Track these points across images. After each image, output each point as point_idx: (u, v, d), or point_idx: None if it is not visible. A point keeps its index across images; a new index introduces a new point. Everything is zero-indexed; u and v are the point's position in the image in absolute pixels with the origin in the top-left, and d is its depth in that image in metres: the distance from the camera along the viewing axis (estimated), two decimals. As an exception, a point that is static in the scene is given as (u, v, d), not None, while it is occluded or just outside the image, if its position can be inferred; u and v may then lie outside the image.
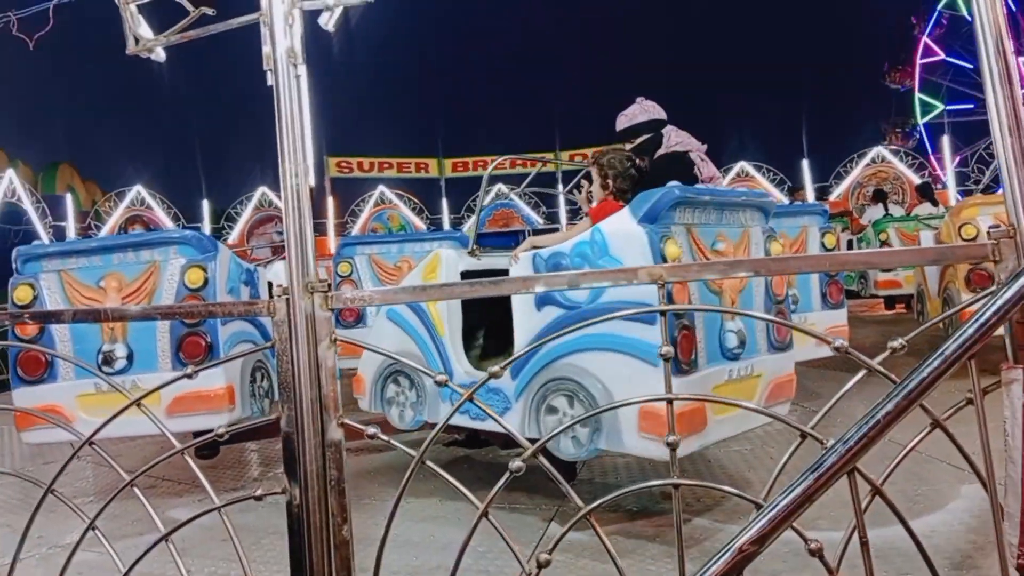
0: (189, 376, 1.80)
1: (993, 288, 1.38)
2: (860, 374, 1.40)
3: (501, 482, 1.52)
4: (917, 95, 23.82)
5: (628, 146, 3.99)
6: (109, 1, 2.00)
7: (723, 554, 1.29)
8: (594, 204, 3.65)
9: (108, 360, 3.64)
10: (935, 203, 10.19)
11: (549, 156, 22.03)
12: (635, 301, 2.72)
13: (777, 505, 1.30)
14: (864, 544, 1.33)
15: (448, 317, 3.60)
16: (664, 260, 2.81)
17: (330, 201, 22.02)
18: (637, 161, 3.64)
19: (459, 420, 3.35)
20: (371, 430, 1.67)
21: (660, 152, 3.84)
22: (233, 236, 21.37)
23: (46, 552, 3.25)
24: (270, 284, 4.40)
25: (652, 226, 2.90)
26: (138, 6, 1.97)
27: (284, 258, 1.73)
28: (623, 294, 2.79)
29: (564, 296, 3.03)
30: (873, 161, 20.39)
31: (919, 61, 23.91)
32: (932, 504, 3.08)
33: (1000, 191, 1.53)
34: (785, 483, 1.34)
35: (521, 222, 21.79)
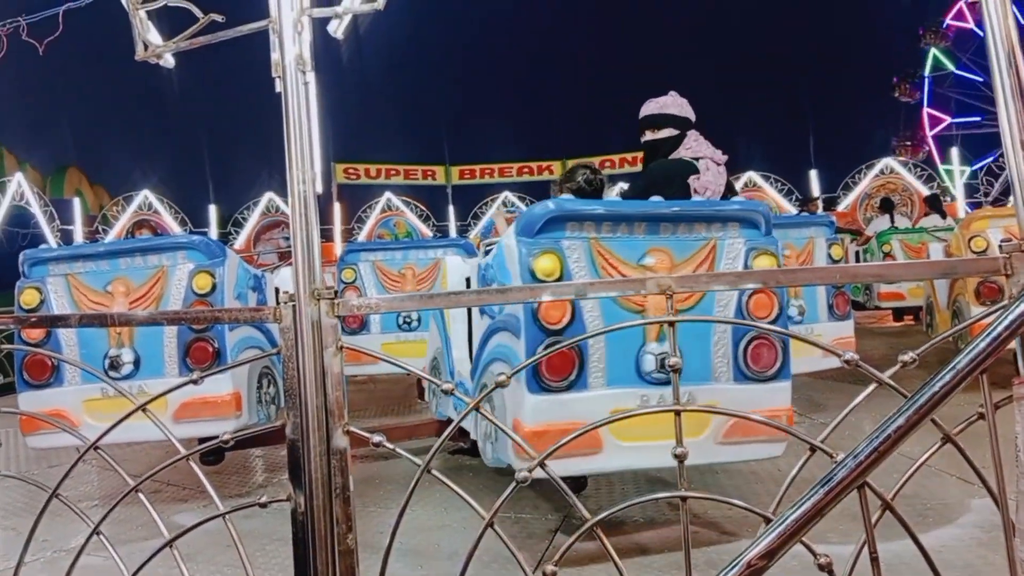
0: (195, 382, 1.80)
1: (1005, 302, 1.37)
2: (871, 387, 1.39)
3: (507, 492, 1.52)
4: (926, 110, 23.84)
5: (648, 135, 3.89)
6: (119, 7, 2.01)
7: (732, 568, 1.28)
8: None
9: (115, 365, 3.64)
10: (943, 215, 10.14)
11: (556, 165, 22.06)
12: (512, 314, 2.84)
13: (786, 519, 1.29)
14: (874, 559, 1.32)
15: (452, 322, 3.62)
16: (533, 275, 2.80)
17: (337, 207, 22.07)
18: (594, 177, 3.71)
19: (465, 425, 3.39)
20: (376, 438, 1.66)
21: (674, 155, 3.78)
22: (240, 241, 21.43)
23: (51, 556, 3.24)
24: (277, 290, 4.40)
25: (527, 240, 2.87)
26: (147, 12, 1.98)
27: (291, 264, 1.73)
28: (515, 307, 2.86)
29: (489, 307, 3.07)
30: (882, 172, 20.34)
31: (927, 75, 23.95)
32: (942, 518, 3.05)
33: (1010, 203, 1.52)
34: (794, 496, 1.33)
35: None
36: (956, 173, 21.19)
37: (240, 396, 3.71)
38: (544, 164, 22.33)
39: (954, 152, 21.71)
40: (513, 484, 1.52)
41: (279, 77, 1.76)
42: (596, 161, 21.82)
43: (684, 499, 1.45)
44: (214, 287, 3.68)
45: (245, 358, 3.66)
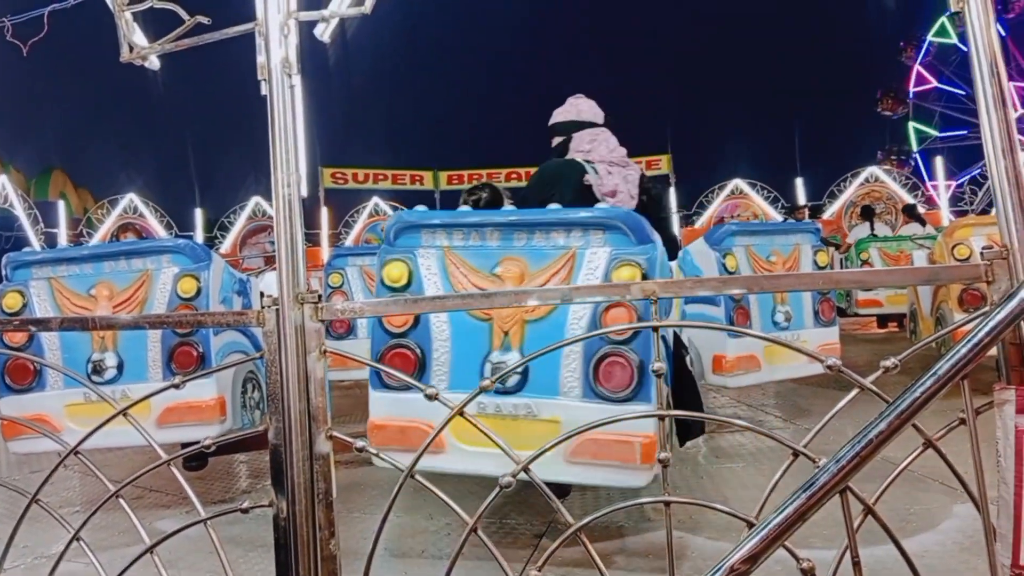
0: (176, 386, 1.79)
1: (986, 308, 1.39)
2: (853, 393, 1.41)
3: (490, 497, 1.52)
4: (911, 124, 24.09)
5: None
6: (104, 8, 1.99)
7: (714, 572, 1.28)
8: None
9: (98, 369, 3.60)
10: (923, 223, 10.25)
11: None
12: None
13: (769, 524, 1.29)
14: (856, 564, 1.33)
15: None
16: (383, 283, 2.96)
17: (324, 212, 22.01)
18: (481, 196, 3.72)
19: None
20: (359, 443, 1.66)
21: (566, 158, 3.72)
22: (226, 245, 21.33)
23: (32, 562, 3.21)
24: (262, 294, 4.38)
25: (385, 248, 3.04)
26: (133, 14, 1.97)
27: (276, 268, 1.72)
28: None
29: None
30: (867, 180, 20.52)
31: (912, 89, 24.22)
32: (925, 523, 3.07)
33: (994, 212, 1.53)
34: (777, 501, 1.33)
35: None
36: (941, 185, 21.41)
37: (224, 401, 3.69)
38: (532, 170, 22.37)
39: (939, 164, 21.94)
40: (497, 489, 1.52)
41: (264, 80, 1.76)
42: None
43: (667, 504, 1.45)
44: (199, 291, 3.65)
45: (227, 363, 3.64)
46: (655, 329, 1.57)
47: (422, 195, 23.37)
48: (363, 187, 23.22)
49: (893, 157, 23.62)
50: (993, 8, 1.53)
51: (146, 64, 2.07)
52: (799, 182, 21.23)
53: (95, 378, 3.57)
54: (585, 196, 3.49)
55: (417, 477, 1.59)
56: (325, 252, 19.18)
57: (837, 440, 1.39)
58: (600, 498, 3.69)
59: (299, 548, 1.64)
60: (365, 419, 3.07)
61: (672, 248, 3.26)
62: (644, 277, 2.72)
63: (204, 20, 1.91)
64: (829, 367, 1.42)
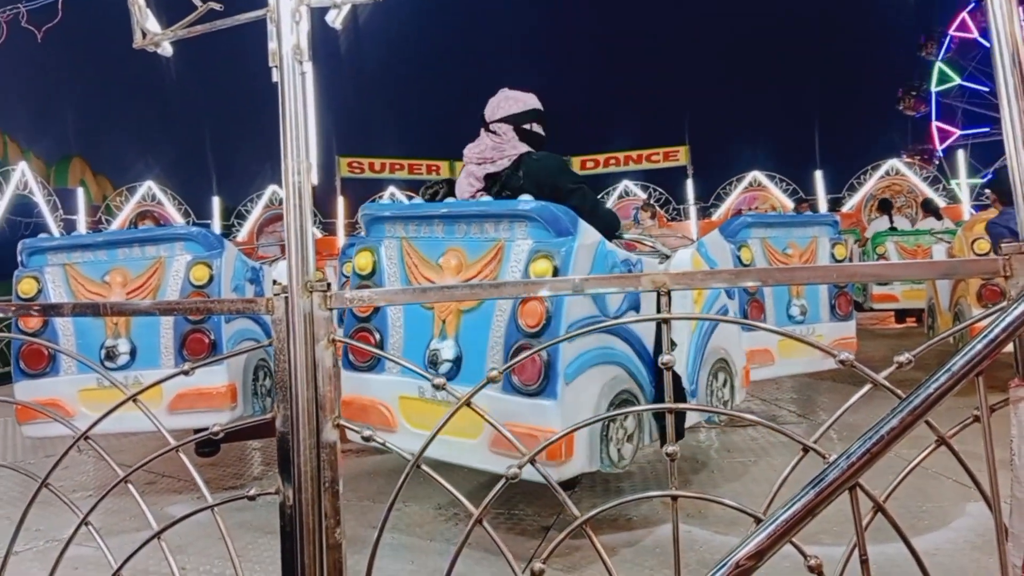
0: (186, 373, 1.78)
1: (1003, 304, 1.36)
2: (865, 388, 1.38)
3: (496, 489, 1.51)
4: (935, 124, 23.80)
5: None
6: (118, -6, 1.99)
7: (720, 568, 1.26)
8: None
9: (111, 355, 3.63)
10: (939, 217, 10.13)
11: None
12: None
13: (776, 519, 1.27)
14: (864, 562, 1.31)
15: None
16: (354, 271, 3.19)
17: (340, 201, 22.06)
18: (439, 189, 3.66)
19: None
20: (367, 432, 1.65)
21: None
22: (242, 233, 21.43)
23: (43, 546, 3.24)
24: (275, 282, 4.38)
25: (360, 237, 3.31)
26: (146, 0, 1.97)
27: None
28: None
29: None
30: (887, 174, 20.28)
31: (934, 89, 23.91)
32: (937, 521, 3.04)
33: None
34: (786, 497, 1.31)
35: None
36: (963, 182, 21.16)
37: (235, 388, 3.71)
38: (548, 160, 22.24)
39: (961, 160, 21.70)
40: (503, 481, 1.51)
41: (276, 67, 1.75)
42: (602, 158, 21.84)
43: (675, 498, 1.44)
44: (211, 279, 3.67)
45: (236, 350, 3.66)
46: (665, 322, 1.54)
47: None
48: (380, 176, 23.22)
49: (917, 156, 23.36)
50: (1016, -2, 1.49)
51: (159, 51, 2.07)
52: (819, 175, 21.01)
53: (108, 364, 3.60)
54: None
55: (424, 468, 1.59)
56: (341, 241, 19.24)
57: (850, 436, 1.37)
58: (610, 491, 3.68)
59: (304, 536, 1.64)
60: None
61: (603, 226, 3.11)
62: (556, 271, 2.73)
63: (216, 6, 1.90)
64: (842, 362, 1.40)
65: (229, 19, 1.89)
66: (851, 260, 8.09)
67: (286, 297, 1.66)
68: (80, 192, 20.88)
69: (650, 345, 3.14)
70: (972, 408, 1.37)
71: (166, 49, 2.06)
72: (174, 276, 3.72)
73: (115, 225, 19.82)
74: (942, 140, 23.87)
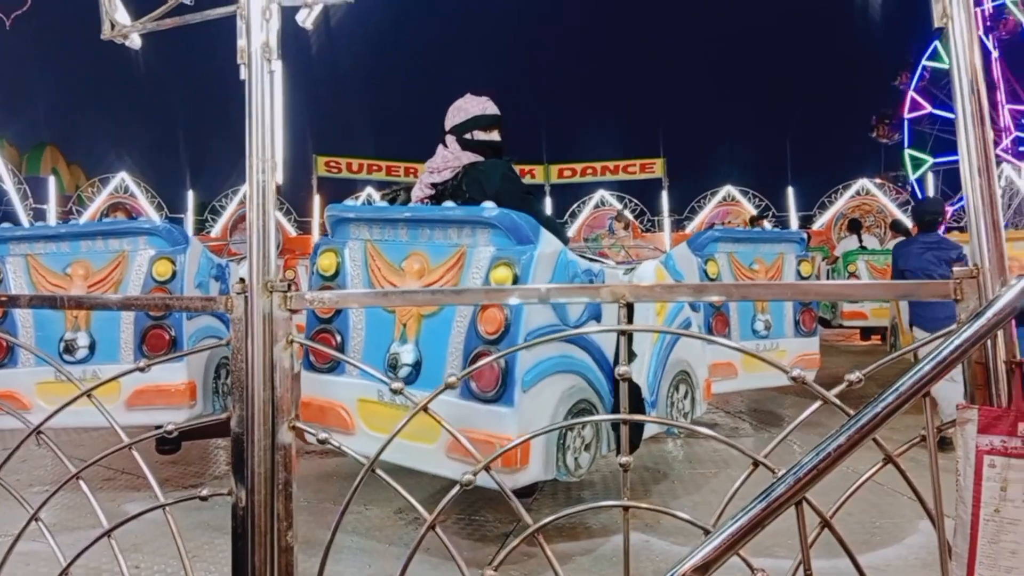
0: (141, 369, 1.76)
1: (952, 327, 1.38)
2: (815, 405, 1.40)
3: (450, 495, 1.51)
4: (907, 151, 24.25)
5: None
6: (89, -15, 1.97)
7: (667, 579, 1.27)
8: None
9: (70, 349, 3.56)
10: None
11: (538, 168, 22.06)
12: None
13: (723, 532, 1.28)
14: (808, 576, 1.32)
15: None
16: (317, 272, 3.21)
17: (316, 200, 21.92)
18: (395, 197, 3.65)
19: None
20: (322, 435, 1.64)
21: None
22: (216, 229, 21.23)
23: (-6, 541, 3.18)
24: (241, 280, 4.33)
25: (324, 238, 3.34)
26: (115, -9, 1.95)
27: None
28: None
29: None
30: (858, 193, 20.60)
31: (907, 116, 24.39)
32: (890, 537, 3.08)
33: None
34: (739, 509, 1.33)
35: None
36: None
37: (195, 386, 3.66)
38: (527, 167, 22.29)
39: (930, 184, 22.16)
40: (457, 487, 1.51)
41: (244, 64, 1.74)
42: (579, 167, 21.92)
43: (626, 508, 1.45)
44: (174, 274, 3.63)
45: (194, 348, 3.62)
46: (624, 333, 1.56)
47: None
48: (357, 177, 23.11)
49: (890, 182, 23.76)
50: (977, 25, 1.52)
51: (127, 43, 2.05)
52: (791, 191, 21.29)
53: (67, 357, 3.54)
54: None
55: (378, 472, 1.58)
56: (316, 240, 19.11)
57: (805, 451, 1.39)
58: (571, 499, 3.69)
59: (256, 538, 1.63)
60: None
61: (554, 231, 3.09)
62: (516, 279, 2.73)
63: (186, 0, 1.89)
64: (794, 378, 1.42)
65: (199, 14, 1.88)
66: (818, 277, 8.22)
67: (246, 296, 1.65)
68: (52, 181, 20.55)
69: (610, 355, 3.14)
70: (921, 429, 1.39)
71: (135, 41, 2.05)
72: (136, 271, 3.67)
73: (86, 216, 19.54)
74: (915, 169, 24.34)
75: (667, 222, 21.20)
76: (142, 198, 21.05)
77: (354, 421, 3.03)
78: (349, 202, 3.39)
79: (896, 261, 5.34)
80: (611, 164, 22.30)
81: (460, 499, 1.50)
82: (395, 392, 1.62)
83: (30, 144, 21.68)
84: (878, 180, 22.53)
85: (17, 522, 3.25)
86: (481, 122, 3.43)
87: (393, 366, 2.91)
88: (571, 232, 19.70)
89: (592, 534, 3.20)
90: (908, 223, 12.83)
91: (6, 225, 3.87)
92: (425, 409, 1.60)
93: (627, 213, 18.60)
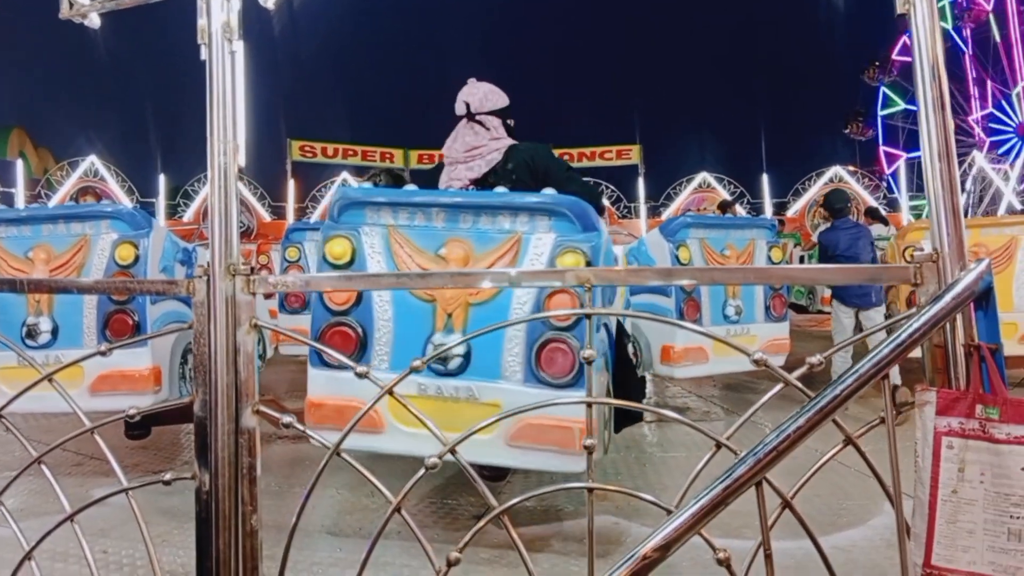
0: (103, 354, 1.74)
1: (911, 311, 1.40)
2: (777, 387, 1.41)
3: (415, 478, 1.52)
4: (882, 148, 24.56)
5: None
6: (44, -39, 1.93)
7: (627, 560, 1.28)
8: None
9: (32, 333, 3.51)
10: (885, 223, 10.45)
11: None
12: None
13: (684, 512, 1.29)
14: (768, 556, 1.34)
15: None
16: (326, 259, 2.97)
17: (291, 184, 21.73)
18: (379, 180, 3.70)
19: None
20: (286, 419, 1.63)
21: None
22: (189, 214, 21.00)
23: (-44, 528, 3.14)
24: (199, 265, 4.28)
25: (328, 224, 3.07)
26: (74, -32, 1.90)
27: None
28: None
29: None
30: (831, 180, 20.80)
31: (880, 113, 24.67)
32: (855, 519, 3.12)
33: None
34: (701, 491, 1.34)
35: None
36: (903, 200, 21.87)
37: (160, 371, 3.62)
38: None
39: (902, 178, 22.47)
40: (422, 470, 1.51)
41: (204, 44, 1.71)
42: (575, 151, 21.93)
43: (591, 491, 1.45)
44: (137, 259, 3.58)
45: (156, 332, 3.56)
46: (588, 316, 1.56)
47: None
48: (332, 162, 22.96)
49: (866, 177, 24.05)
50: (937, 12, 1.53)
51: (86, 22, 2.01)
52: (765, 179, 21.46)
53: (29, 342, 3.49)
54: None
55: (343, 455, 1.58)
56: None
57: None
58: (544, 482, 3.70)
59: (220, 522, 1.62)
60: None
61: (597, 208, 3.09)
62: (588, 264, 2.71)
63: (146, -22, 1.85)
64: (756, 361, 1.43)
65: (159, -8, 1.85)
66: (790, 263, 8.28)
67: (208, 279, 1.63)
68: (19, 164, 20.17)
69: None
70: (879, 411, 1.41)
71: (93, 21, 2.00)
72: (99, 255, 3.61)
73: (55, 200, 19.21)
74: (889, 164, 24.65)
75: (643, 208, 21.28)
76: (112, 182, 20.75)
77: (383, 419, 2.81)
78: (337, 184, 3.29)
79: (827, 248, 5.58)
80: (587, 150, 22.35)
81: (431, 482, 1.50)
82: (360, 376, 1.62)
83: (-4, 126, 21.27)
84: (851, 168, 22.79)
85: (-19, 508, 3.22)
86: (510, 109, 3.51)
87: (444, 358, 2.79)
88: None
89: (562, 517, 3.22)
90: (883, 211, 12.93)
91: (-33, 208, 3.79)
92: (391, 393, 1.59)
93: (604, 200, 18.66)
